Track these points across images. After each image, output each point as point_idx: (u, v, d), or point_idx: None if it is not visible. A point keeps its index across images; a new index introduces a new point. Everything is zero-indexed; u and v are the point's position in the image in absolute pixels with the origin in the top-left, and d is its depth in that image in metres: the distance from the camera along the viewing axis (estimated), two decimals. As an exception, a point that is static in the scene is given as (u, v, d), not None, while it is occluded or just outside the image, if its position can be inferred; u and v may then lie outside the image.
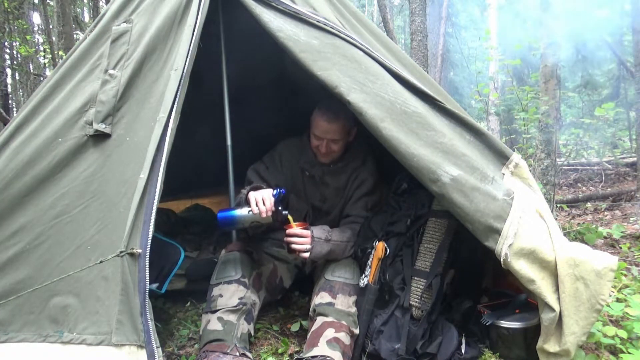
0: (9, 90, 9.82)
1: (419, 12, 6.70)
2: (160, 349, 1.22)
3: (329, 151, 1.99)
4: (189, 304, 2.26)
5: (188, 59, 1.48)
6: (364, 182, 2.10)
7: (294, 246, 1.82)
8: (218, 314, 1.71)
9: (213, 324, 1.68)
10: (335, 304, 1.75)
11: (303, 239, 1.83)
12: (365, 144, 2.13)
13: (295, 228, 1.85)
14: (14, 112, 9.53)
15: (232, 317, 1.71)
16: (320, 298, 1.79)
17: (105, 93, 1.51)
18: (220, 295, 1.77)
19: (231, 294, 1.77)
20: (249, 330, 1.76)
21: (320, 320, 1.72)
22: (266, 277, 2.00)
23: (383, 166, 2.16)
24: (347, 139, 2.02)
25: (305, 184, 2.13)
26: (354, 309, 1.78)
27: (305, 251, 1.82)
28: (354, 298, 1.82)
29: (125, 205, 1.35)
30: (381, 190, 2.19)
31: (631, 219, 4.32)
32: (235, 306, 1.73)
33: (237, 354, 1.60)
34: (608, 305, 1.77)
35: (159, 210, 1.37)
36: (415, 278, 1.76)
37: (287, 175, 2.12)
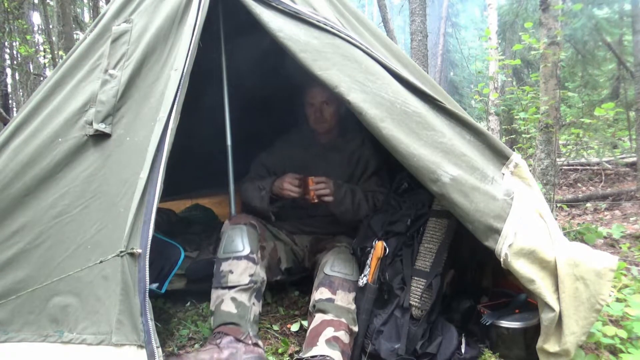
0: (9, 90, 9.82)
1: (419, 12, 6.70)
2: (160, 349, 1.22)
3: (323, 116, 2.16)
4: (189, 304, 2.26)
5: (188, 59, 1.48)
6: (369, 161, 2.24)
7: (320, 192, 2.00)
8: (231, 293, 1.73)
9: (227, 304, 1.71)
10: (335, 300, 1.76)
11: (324, 184, 2.01)
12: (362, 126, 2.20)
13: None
14: (14, 112, 9.52)
15: (244, 297, 1.73)
16: (320, 294, 1.79)
17: (105, 93, 1.51)
18: (231, 272, 1.78)
19: (242, 270, 1.79)
20: (259, 311, 1.81)
21: (319, 317, 1.72)
22: (268, 252, 2.02)
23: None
24: (337, 105, 2.14)
25: (308, 164, 2.22)
26: (353, 306, 1.79)
27: (329, 195, 2.00)
28: (353, 294, 1.82)
29: (125, 205, 1.35)
30: (385, 171, 2.28)
31: (631, 219, 4.32)
32: (247, 284, 1.76)
33: (250, 342, 1.63)
34: (608, 305, 1.77)
35: (159, 210, 1.36)
36: (415, 278, 1.76)
37: (287, 157, 2.27)
